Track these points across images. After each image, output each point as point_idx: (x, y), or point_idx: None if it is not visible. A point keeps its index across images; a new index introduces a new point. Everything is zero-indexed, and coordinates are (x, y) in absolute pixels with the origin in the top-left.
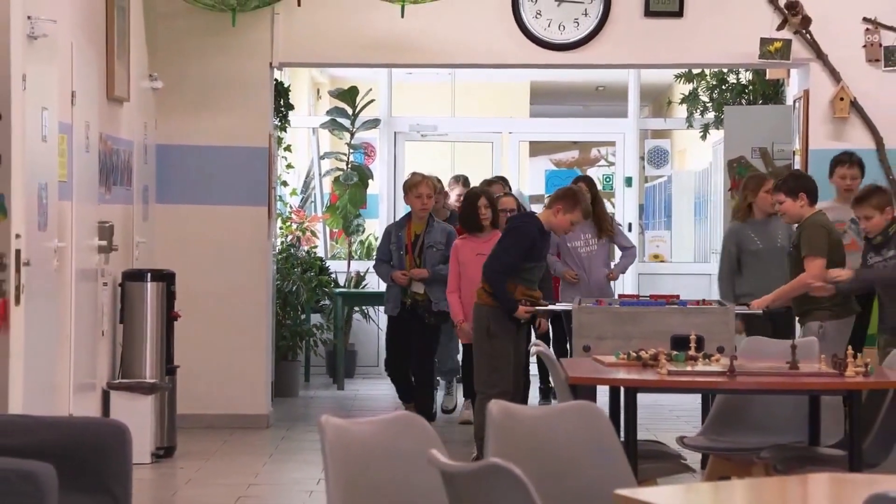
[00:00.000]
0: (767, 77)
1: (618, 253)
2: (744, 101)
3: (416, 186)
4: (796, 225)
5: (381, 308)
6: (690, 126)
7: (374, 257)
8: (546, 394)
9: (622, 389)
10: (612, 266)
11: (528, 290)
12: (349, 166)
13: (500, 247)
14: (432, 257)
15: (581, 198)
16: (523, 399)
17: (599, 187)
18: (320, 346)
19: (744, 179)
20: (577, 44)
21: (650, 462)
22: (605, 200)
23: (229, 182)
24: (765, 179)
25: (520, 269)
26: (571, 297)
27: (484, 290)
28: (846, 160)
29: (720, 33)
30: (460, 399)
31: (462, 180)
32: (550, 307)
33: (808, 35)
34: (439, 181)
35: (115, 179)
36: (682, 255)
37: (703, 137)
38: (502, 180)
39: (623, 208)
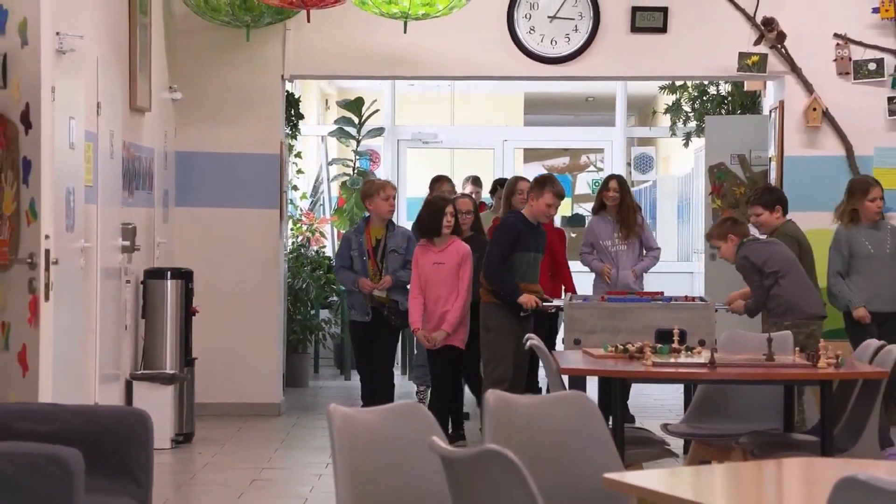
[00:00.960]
0: (745, 89)
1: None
2: (723, 111)
3: (384, 188)
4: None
5: None
6: (674, 134)
7: (336, 264)
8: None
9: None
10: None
11: (527, 285)
12: (355, 172)
13: (490, 244)
14: (394, 262)
15: (548, 181)
16: (527, 388)
17: (588, 191)
18: (328, 340)
19: (850, 184)
20: (568, 57)
21: (636, 448)
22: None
23: (243, 186)
24: (871, 187)
25: (511, 259)
26: (603, 292)
27: (484, 288)
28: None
29: (701, 48)
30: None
31: (473, 180)
32: (553, 303)
33: (782, 50)
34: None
35: (137, 184)
36: (666, 254)
37: (686, 145)
38: (475, 181)
39: None
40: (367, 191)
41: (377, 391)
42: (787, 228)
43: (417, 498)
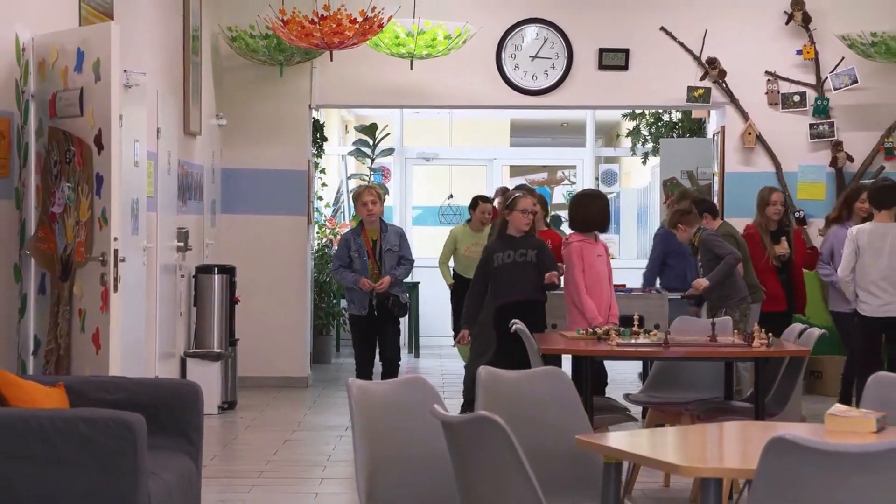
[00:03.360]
0: (693, 116)
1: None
2: (675, 135)
3: (361, 195)
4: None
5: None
6: (634, 154)
7: (335, 263)
8: None
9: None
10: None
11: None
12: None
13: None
14: (390, 259)
15: (510, 195)
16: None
17: (563, 201)
18: (347, 325)
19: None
20: (547, 90)
21: (603, 414)
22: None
23: (277, 197)
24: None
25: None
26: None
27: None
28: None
29: (656, 82)
30: None
31: (502, 191)
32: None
33: (723, 84)
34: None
35: (189, 195)
36: (627, 253)
37: (644, 162)
38: (504, 192)
39: None
40: (354, 197)
41: (385, 375)
42: (727, 229)
43: (421, 456)
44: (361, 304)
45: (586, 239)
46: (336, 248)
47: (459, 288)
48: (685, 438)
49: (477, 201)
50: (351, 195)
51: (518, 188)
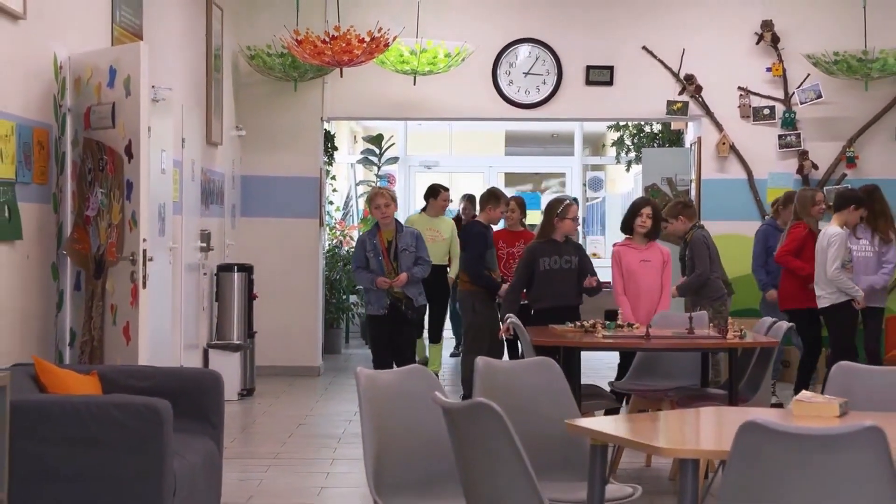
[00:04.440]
0: (672, 128)
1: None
2: (655, 145)
3: (373, 199)
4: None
5: None
6: (618, 162)
7: (353, 265)
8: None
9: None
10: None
11: (493, 273)
12: None
13: (468, 249)
14: (406, 259)
15: (562, 203)
16: (498, 356)
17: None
18: (356, 318)
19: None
20: (539, 104)
21: (590, 400)
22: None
23: (291, 201)
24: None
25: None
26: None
27: (465, 281)
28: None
29: (639, 97)
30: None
31: (468, 197)
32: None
33: (700, 99)
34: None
35: (211, 200)
36: (610, 253)
37: (627, 170)
38: (469, 199)
39: None
40: (367, 201)
41: None
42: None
43: (424, 439)
44: (380, 304)
45: (629, 243)
46: (347, 248)
47: None
48: (665, 422)
49: (438, 190)
50: (364, 199)
51: (489, 191)
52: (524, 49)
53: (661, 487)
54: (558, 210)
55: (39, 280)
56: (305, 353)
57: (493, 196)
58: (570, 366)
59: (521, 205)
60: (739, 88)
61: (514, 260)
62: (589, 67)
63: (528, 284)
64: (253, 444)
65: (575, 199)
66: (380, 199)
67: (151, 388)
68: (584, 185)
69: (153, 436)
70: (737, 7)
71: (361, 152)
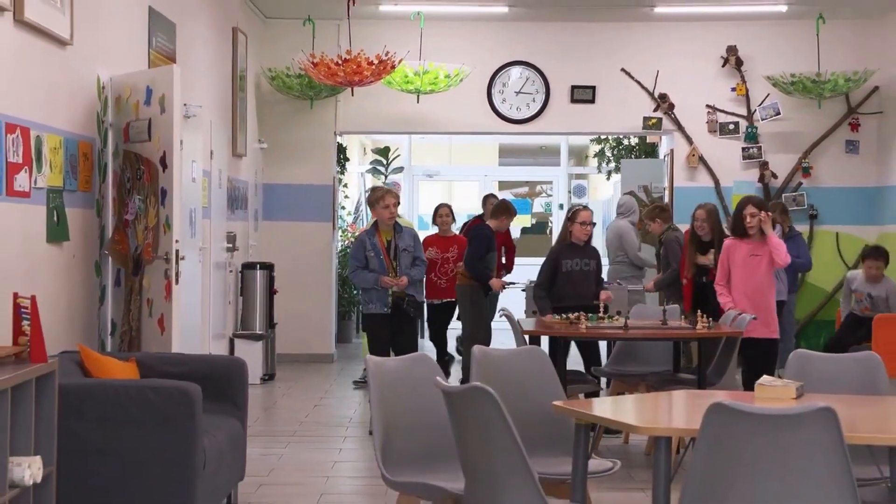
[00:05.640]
0: (647, 141)
1: None
2: (633, 156)
3: (383, 198)
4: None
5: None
6: (600, 171)
7: (352, 265)
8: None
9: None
10: None
11: (490, 273)
12: None
13: (470, 248)
14: (405, 259)
15: (572, 209)
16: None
17: (542, 210)
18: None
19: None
20: (529, 119)
21: (575, 384)
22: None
23: (308, 207)
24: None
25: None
26: None
27: (464, 275)
28: (874, 254)
29: (618, 113)
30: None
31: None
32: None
33: (672, 115)
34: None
35: (236, 205)
36: None
37: (608, 178)
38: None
39: (556, 224)
40: (371, 199)
41: None
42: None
43: (426, 421)
44: (384, 302)
45: (736, 240)
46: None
47: None
48: (641, 404)
49: (510, 208)
50: (369, 197)
51: (503, 205)
52: (516, 71)
53: (637, 462)
54: (569, 215)
55: (84, 277)
56: (320, 342)
57: (506, 210)
58: (556, 353)
59: (450, 210)
60: (707, 106)
61: (449, 265)
62: (573, 87)
63: (551, 284)
64: (273, 423)
65: (586, 206)
66: (390, 198)
67: (183, 374)
68: (570, 192)
69: (185, 416)
70: (705, 34)
71: (370, 163)
